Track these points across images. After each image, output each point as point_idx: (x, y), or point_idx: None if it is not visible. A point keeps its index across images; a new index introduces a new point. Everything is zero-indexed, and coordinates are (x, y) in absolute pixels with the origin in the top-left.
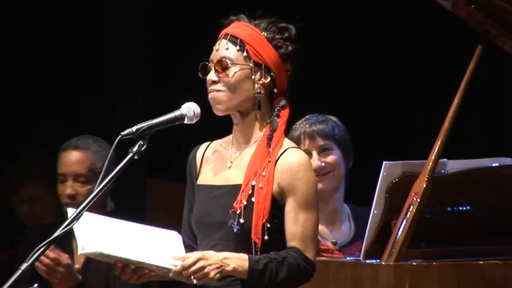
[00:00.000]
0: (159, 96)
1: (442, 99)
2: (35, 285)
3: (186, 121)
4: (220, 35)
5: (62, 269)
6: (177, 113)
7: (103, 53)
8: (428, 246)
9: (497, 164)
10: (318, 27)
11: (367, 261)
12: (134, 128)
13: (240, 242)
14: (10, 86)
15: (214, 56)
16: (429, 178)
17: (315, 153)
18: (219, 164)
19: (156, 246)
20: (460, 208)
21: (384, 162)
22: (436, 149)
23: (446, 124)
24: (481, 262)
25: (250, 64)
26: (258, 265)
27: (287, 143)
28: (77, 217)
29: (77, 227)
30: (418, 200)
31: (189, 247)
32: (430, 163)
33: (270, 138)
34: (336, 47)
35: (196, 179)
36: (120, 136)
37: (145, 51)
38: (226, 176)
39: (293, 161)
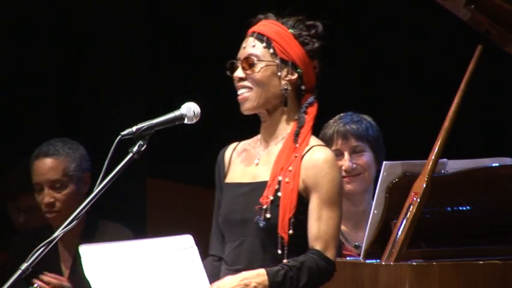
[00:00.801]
0: (159, 96)
1: (442, 99)
2: (35, 285)
3: (186, 121)
4: (247, 33)
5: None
6: (177, 113)
7: (103, 53)
8: (428, 246)
9: (497, 164)
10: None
11: (367, 261)
12: (134, 128)
13: (267, 237)
14: (9, 87)
15: (241, 53)
16: (429, 178)
17: (346, 154)
18: (247, 162)
19: (174, 278)
20: (460, 208)
21: (384, 162)
22: (436, 149)
23: (446, 124)
24: (481, 262)
25: (277, 61)
26: (277, 277)
27: (314, 140)
28: (76, 217)
29: (88, 269)
30: (418, 200)
31: (217, 261)
32: (430, 163)
33: (297, 134)
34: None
35: (224, 178)
36: (120, 136)
37: (146, 51)
38: (253, 173)
39: (318, 158)
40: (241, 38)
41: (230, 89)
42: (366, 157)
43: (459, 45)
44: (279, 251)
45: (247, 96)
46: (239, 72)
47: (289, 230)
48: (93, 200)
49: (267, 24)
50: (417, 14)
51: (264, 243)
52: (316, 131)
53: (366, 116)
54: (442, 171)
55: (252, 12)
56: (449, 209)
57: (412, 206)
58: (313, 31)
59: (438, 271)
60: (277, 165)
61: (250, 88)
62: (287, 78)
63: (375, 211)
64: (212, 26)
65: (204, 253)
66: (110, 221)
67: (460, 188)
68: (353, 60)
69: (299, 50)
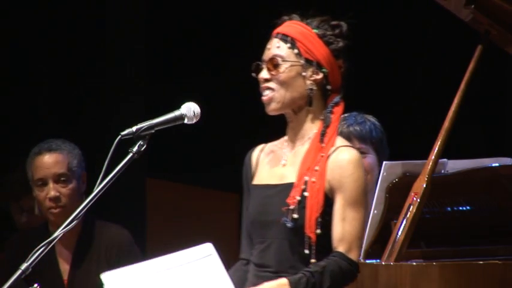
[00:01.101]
0: (159, 96)
1: (442, 99)
2: (35, 285)
3: (186, 121)
4: (272, 34)
5: None
6: (177, 113)
7: (103, 53)
8: (428, 246)
9: (497, 164)
10: None
11: (367, 261)
12: (134, 128)
13: (295, 238)
14: (9, 87)
15: (266, 54)
16: (429, 178)
17: None
18: (274, 163)
19: None
20: (460, 208)
21: (384, 162)
22: (436, 149)
23: (446, 124)
24: (481, 262)
25: (302, 61)
26: (300, 285)
27: (340, 141)
28: (76, 217)
29: None
30: (418, 200)
31: (246, 264)
32: (430, 163)
33: (323, 134)
34: None
35: (252, 180)
36: (120, 136)
37: (146, 51)
38: (281, 174)
39: (343, 158)
40: (241, 37)
41: (230, 88)
42: (369, 159)
43: (459, 45)
44: (307, 251)
45: (272, 97)
46: (264, 74)
47: (316, 229)
48: (94, 200)
49: (292, 25)
50: (417, 14)
51: (291, 243)
52: None
53: (370, 117)
54: (442, 171)
55: (251, 11)
56: (449, 209)
57: (412, 206)
58: (337, 31)
59: (438, 271)
60: (304, 165)
61: (275, 89)
62: (312, 78)
63: (375, 211)
64: (212, 26)
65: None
66: (108, 222)
67: (460, 188)
68: (353, 60)
69: (324, 49)
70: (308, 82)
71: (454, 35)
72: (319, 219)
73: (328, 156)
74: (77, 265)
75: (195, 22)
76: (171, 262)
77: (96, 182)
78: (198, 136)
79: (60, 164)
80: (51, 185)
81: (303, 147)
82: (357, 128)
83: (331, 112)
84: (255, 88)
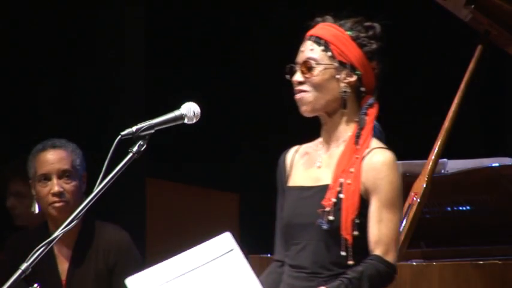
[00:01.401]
0: (159, 96)
1: (442, 99)
2: (35, 285)
3: (186, 121)
4: (305, 37)
5: None
6: (177, 113)
7: (103, 52)
8: (428, 246)
9: (497, 164)
10: None
11: None
12: (134, 128)
13: (331, 240)
14: (9, 86)
15: (300, 57)
16: (429, 178)
17: None
18: (309, 165)
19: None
20: (460, 208)
21: None
22: (436, 149)
23: (446, 124)
24: (481, 262)
25: (335, 63)
26: None
27: (375, 142)
28: (76, 218)
29: None
30: (418, 200)
31: (280, 266)
32: (430, 163)
33: (358, 136)
34: None
35: (286, 182)
36: (120, 136)
37: (146, 51)
38: (316, 176)
39: (377, 160)
40: (241, 37)
41: (230, 89)
42: None
43: (459, 45)
44: (343, 253)
45: (306, 99)
46: (298, 76)
47: (353, 231)
48: (93, 200)
49: (325, 27)
50: (417, 14)
51: (328, 246)
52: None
53: None
54: (442, 171)
55: (251, 10)
56: (449, 209)
57: (412, 206)
58: (371, 32)
59: (438, 271)
60: (339, 167)
61: (308, 91)
62: (346, 81)
63: None
64: (212, 26)
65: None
66: (107, 222)
67: (460, 188)
68: None
69: (357, 52)
70: (342, 85)
71: (454, 35)
72: (356, 221)
73: (363, 158)
74: (75, 265)
75: (195, 22)
76: (193, 261)
77: (96, 182)
78: (198, 136)
79: (64, 160)
80: (55, 180)
81: (337, 149)
82: None
83: (366, 114)
84: (255, 88)
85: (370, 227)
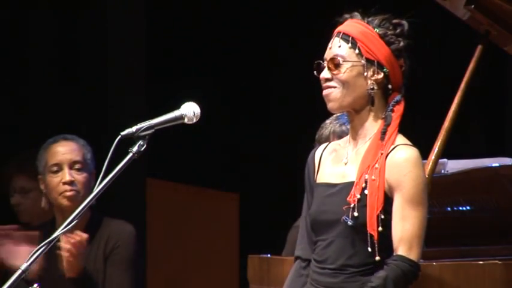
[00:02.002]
0: (159, 96)
1: (442, 99)
2: (35, 285)
3: (186, 121)
4: (333, 33)
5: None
6: (177, 113)
7: (103, 52)
8: (428, 246)
9: (497, 164)
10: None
11: None
12: (134, 128)
13: (356, 236)
14: (10, 85)
15: (328, 54)
16: (429, 178)
17: None
18: (336, 162)
19: None
20: (460, 208)
21: None
22: (436, 149)
23: (446, 124)
24: (481, 262)
25: (363, 61)
26: None
27: (400, 139)
28: (76, 217)
29: None
30: None
31: (304, 268)
32: (430, 163)
33: (383, 132)
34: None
35: (315, 179)
36: (120, 136)
37: (146, 51)
38: (342, 173)
39: (400, 157)
40: (242, 38)
41: (230, 89)
42: None
43: (459, 45)
44: (369, 249)
45: (333, 95)
46: (325, 73)
47: (378, 227)
48: (93, 200)
49: (353, 24)
50: (417, 13)
51: (353, 242)
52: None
53: None
54: (442, 171)
55: (251, 10)
56: (449, 209)
57: None
58: (398, 30)
59: (438, 271)
60: (364, 163)
61: (336, 87)
62: (373, 78)
63: None
64: (212, 26)
65: (200, 252)
66: (113, 218)
67: (460, 188)
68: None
69: (385, 49)
70: (369, 82)
71: (454, 35)
72: (381, 217)
73: (387, 155)
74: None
75: (196, 21)
76: None
77: (96, 182)
78: (198, 136)
79: (76, 151)
80: (66, 170)
81: (364, 145)
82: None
83: (392, 111)
84: (255, 88)
85: (394, 224)
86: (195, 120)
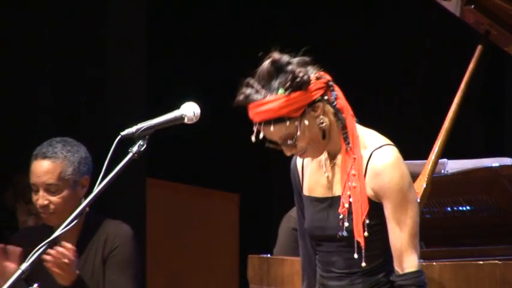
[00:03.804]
0: (159, 96)
1: (442, 99)
2: (35, 285)
3: (186, 121)
4: (253, 122)
5: (67, 261)
6: (177, 113)
7: (103, 52)
8: (428, 246)
9: (497, 164)
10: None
11: None
12: (134, 128)
13: (347, 244)
14: (10, 85)
15: (270, 137)
16: (429, 178)
17: None
18: (318, 171)
19: None
20: (460, 208)
21: None
22: (436, 149)
23: (446, 124)
24: (481, 262)
25: (298, 119)
26: None
27: (372, 139)
28: (75, 217)
29: None
30: (418, 200)
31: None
32: (430, 163)
33: (345, 138)
34: (332, 47)
35: (302, 188)
36: (120, 136)
37: (146, 51)
38: (326, 185)
39: (378, 164)
40: (242, 38)
41: (230, 89)
42: None
43: (459, 45)
44: (356, 255)
45: (312, 154)
46: (287, 151)
47: (364, 232)
48: (93, 200)
49: (259, 109)
50: (417, 13)
51: (349, 250)
52: None
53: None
54: (442, 171)
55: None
56: (449, 209)
57: None
58: (289, 75)
59: (438, 271)
60: (343, 173)
61: (307, 150)
62: (316, 115)
63: None
64: (212, 26)
65: (200, 252)
66: (110, 218)
67: (460, 188)
68: (352, 58)
69: (300, 94)
70: (317, 121)
71: (454, 35)
72: (366, 222)
73: (368, 162)
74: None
75: (196, 21)
76: None
77: (96, 182)
78: (198, 136)
79: (50, 173)
80: (41, 193)
81: (339, 155)
82: None
83: (339, 110)
84: None
85: (389, 231)
86: (195, 120)
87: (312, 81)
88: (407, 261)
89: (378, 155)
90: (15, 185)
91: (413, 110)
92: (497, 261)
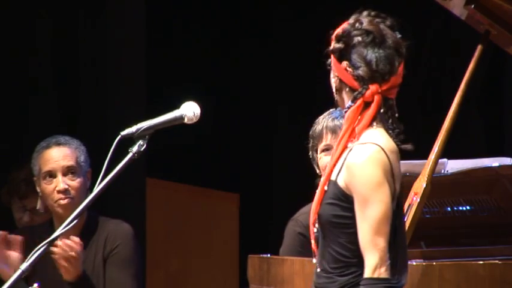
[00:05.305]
0: (159, 96)
1: (442, 99)
2: (35, 285)
3: (185, 121)
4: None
5: (74, 254)
6: (177, 113)
7: (103, 52)
8: (428, 246)
9: (497, 164)
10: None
11: None
12: (134, 128)
13: (327, 235)
14: (10, 84)
15: None
16: (429, 178)
17: None
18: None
19: None
20: (460, 208)
21: None
22: (436, 149)
23: (446, 124)
24: (481, 262)
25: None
26: None
27: (364, 136)
28: (76, 217)
29: None
30: (418, 200)
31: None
32: (430, 163)
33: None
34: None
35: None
36: (120, 136)
37: (146, 51)
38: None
39: (350, 160)
40: (242, 38)
41: (230, 89)
42: None
43: (459, 45)
44: (314, 246)
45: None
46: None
47: (315, 224)
48: (93, 200)
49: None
50: (417, 13)
51: (324, 242)
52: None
53: None
54: (442, 171)
55: (251, 9)
56: (449, 209)
57: (412, 206)
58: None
59: (438, 271)
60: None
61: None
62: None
63: None
64: (212, 26)
65: (200, 252)
66: (109, 218)
67: (460, 188)
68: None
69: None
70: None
71: (454, 35)
72: (319, 212)
73: (347, 154)
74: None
75: (196, 21)
76: None
77: (96, 182)
78: (198, 136)
79: (69, 157)
80: (60, 177)
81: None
82: (342, 121)
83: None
84: (255, 88)
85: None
86: (195, 120)
87: (340, 61)
88: (366, 262)
89: (354, 151)
90: (9, 181)
91: (413, 110)
92: (497, 261)
